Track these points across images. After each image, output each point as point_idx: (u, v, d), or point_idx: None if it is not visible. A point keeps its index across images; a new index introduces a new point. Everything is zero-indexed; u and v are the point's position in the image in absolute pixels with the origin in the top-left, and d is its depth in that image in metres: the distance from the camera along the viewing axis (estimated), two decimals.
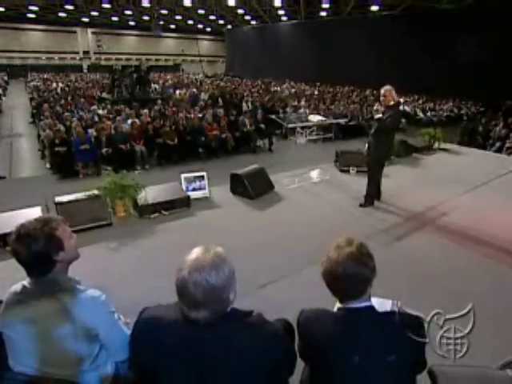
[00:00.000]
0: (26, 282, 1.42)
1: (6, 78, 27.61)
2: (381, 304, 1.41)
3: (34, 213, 3.76)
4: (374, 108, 4.93)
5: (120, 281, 3.16)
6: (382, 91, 4.72)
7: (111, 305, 1.46)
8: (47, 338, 1.34)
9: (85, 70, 35.98)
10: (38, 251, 1.36)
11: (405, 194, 5.51)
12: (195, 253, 1.17)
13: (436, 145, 8.62)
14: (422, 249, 3.97)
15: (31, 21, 31.89)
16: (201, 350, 1.13)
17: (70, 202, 4.27)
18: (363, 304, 1.33)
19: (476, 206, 5.14)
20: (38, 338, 1.34)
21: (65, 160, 7.73)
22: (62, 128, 8.45)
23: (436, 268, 3.55)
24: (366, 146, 5.13)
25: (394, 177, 6.29)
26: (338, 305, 1.40)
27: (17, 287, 1.41)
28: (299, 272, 3.37)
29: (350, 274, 1.28)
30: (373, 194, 5.11)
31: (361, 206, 5.07)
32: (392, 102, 4.69)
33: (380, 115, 4.70)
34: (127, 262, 3.66)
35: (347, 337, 1.29)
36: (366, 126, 10.99)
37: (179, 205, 4.87)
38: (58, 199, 4.25)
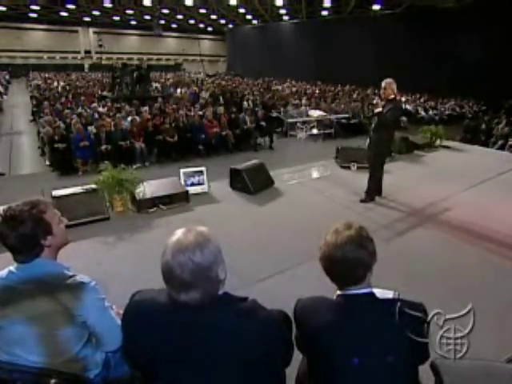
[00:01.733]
0: (13, 267, 1.37)
1: (7, 77, 27.67)
2: (382, 294, 1.36)
3: None
4: (374, 102, 4.87)
5: (117, 275, 3.12)
6: (383, 84, 4.66)
7: (101, 291, 1.40)
8: (45, 333, 1.30)
9: (86, 70, 36.01)
10: (25, 234, 1.31)
11: (406, 190, 5.44)
12: (176, 234, 1.12)
13: (438, 142, 8.54)
14: (424, 244, 3.91)
15: (33, 20, 31.99)
16: (190, 334, 1.07)
17: (66, 195, 4.23)
18: (363, 290, 1.27)
19: (478, 202, 5.07)
20: (34, 334, 1.29)
21: (64, 157, 7.72)
22: (62, 125, 8.44)
23: (438, 263, 3.49)
24: (367, 141, 5.07)
25: (396, 173, 6.22)
26: (337, 292, 1.35)
27: (2, 273, 1.36)
28: (298, 267, 3.33)
29: (349, 257, 1.22)
30: (374, 190, 5.05)
31: (362, 201, 5.01)
32: (392, 96, 4.63)
33: (380, 109, 4.64)
34: (124, 256, 3.62)
35: (345, 324, 1.23)
36: (367, 124, 10.92)
37: (178, 199, 4.82)
38: (55, 193, 4.20)
